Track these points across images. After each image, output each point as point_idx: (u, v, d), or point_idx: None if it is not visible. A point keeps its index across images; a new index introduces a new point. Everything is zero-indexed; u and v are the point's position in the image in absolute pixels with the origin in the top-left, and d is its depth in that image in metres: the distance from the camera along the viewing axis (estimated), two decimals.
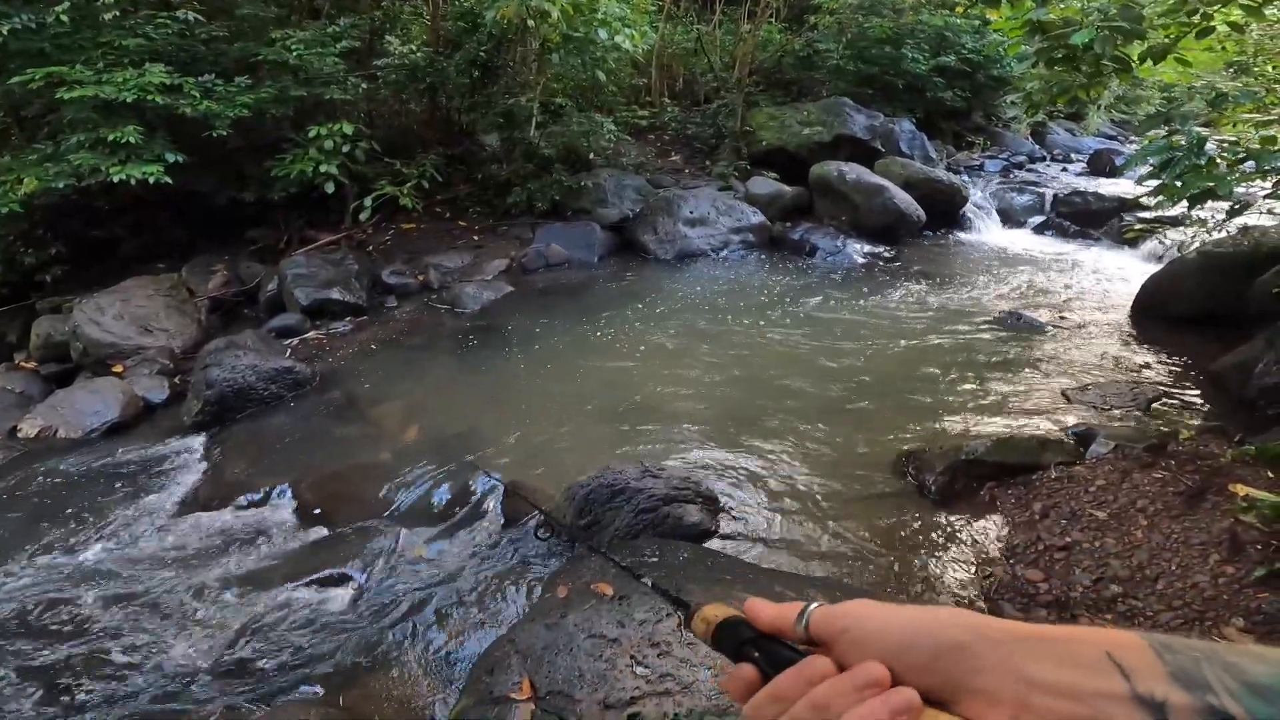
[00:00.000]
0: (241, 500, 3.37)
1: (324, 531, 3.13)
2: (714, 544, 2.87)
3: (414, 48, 7.00)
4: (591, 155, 7.42)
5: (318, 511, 3.25)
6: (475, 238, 6.78)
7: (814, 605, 0.46)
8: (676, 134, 9.03)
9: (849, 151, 8.13)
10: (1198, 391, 4.05)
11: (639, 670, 2.06)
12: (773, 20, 9.86)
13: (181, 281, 5.67)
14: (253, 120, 5.68)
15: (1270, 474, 2.91)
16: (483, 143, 7.68)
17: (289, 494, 3.38)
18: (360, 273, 5.88)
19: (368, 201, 6.30)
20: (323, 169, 5.67)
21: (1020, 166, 10.23)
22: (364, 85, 6.40)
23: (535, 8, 5.87)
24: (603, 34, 6.49)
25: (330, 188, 5.83)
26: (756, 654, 0.46)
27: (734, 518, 3.06)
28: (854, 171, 7.46)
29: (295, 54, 5.69)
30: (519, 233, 6.84)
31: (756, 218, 7.30)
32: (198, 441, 3.96)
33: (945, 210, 7.77)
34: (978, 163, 10.10)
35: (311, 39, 5.90)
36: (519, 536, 2.98)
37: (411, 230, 6.72)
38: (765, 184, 7.85)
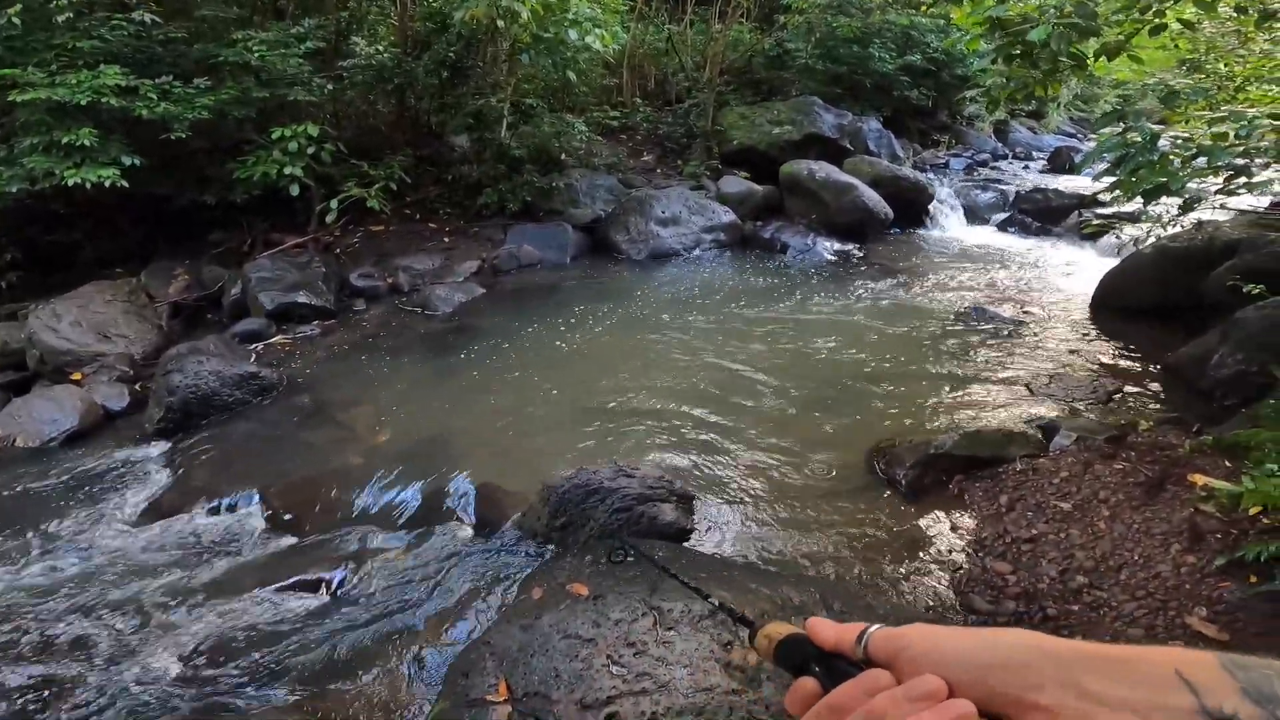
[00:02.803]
0: (207, 507, 3.31)
1: (294, 537, 3.09)
2: (690, 542, 2.89)
3: (381, 48, 6.93)
4: (563, 156, 7.42)
5: (288, 517, 3.20)
6: (446, 239, 6.73)
7: (875, 627, 0.47)
8: (648, 134, 9.06)
9: (818, 150, 8.23)
10: (1156, 383, 4.18)
11: (615, 670, 2.07)
12: (743, 20, 9.95)
13: (141, 286, 5.54)
14: (214, 122, 5.57)
15: (1228, 464, 3.01)
16: (453, 144, 7.62)
17: (257, 500, 3.32)
18: (327, 276, 5.81)
19: (334, 204, 6.22)
20: (287, 171, 5.58)
21: (984, 164, 10.46)
22: (329, 86, 6.31)
23: (505, 8, 5.85)
24: (573, 34, 6.49)
25: (295, 190, 5.74)
26: (817, 669, 0.48)
27: (709, 516, 3.08)
28: (823, 170, 7.55)
29: (257, 55, 5.60)
30: (490, 234, 6.81)
31: (728, 217, 7.35)
32: (160, 449, 3.88)
33: (912, 208, 7.91)
34: (943, 160, 10.30)
35: (274, 40, 5.81)
36: (492, 538, 2.98)
37: (380, 232, 6.65)
38: (736, 183, 7.91)
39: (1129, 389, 4.10)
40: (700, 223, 7.20)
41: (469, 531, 3.05)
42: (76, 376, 4.60)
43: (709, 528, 3.01)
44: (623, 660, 2.11)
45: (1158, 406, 3.91)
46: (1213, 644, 2.21)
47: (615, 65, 8.80)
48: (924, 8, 9.30)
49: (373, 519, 3.18)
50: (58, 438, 3.99)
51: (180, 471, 3.65)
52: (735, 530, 3.00)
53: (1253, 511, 2.56)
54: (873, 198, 7.49)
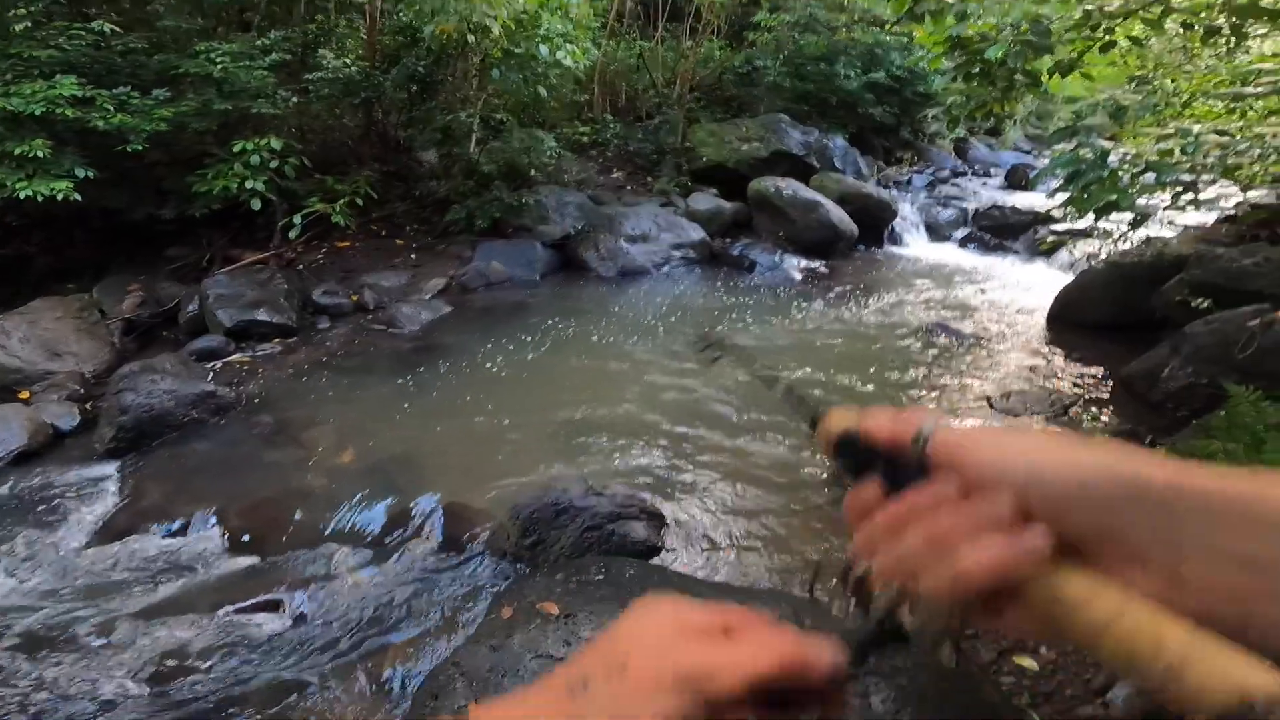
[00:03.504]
0: (162, 528, 3.23)
1: (254, 558, 3.03)
2: (661, 560, 2.91)
3: (349, 61, 6.91)
4: (533, 172, 7.46)
5: (246, 538, 3.14)
6: (413, 256, 6.70)
7: (935, 423, 0.41)
8: (619, 150, 9.15)
9: (786, 167, 8.41)
10: (1110, 396, 4.34)
11: None
12: (714, 37, 10.14)
13: (93, 302, 5.41)
14: (173, 134, 5.49)
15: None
16: (420, 159, 7.62)
17: (214, 521, 3.26)
18: (290, 293, 5.73)
19: (297, 219, 6.15)
20: (248, 185, 5.52)
21: (945, 181, 10.78)
22: (295, 99, 6.27)
23: (476, 23, 5.89)
24: (544, 50, 6.56)
25: (256, 204, 5.67)
26: (878, 472, 0.42)
27: (679, 533, 3.11)
28: (790, 187, 7.72)
29: (220, 67, 5.55)
30: (458, 251, 6.80)
31: (697, 234, 7.46)
32: (112, 469, 3.78)
33: (876, 225, 8.12)
34: (906, 178, 10.58)
35: (239, 52, 5.77)
36: (461, 558, 2.96)
37: (345, 249, 6.60)
38: (706, 200, 8.03)
39: (1084, 402, 4.26)
40: (670, 240, 7.29)
41: (437, 551, 3.03)
42: (24, 395, 4.46)
43: (679, 545, 3.04)
44: None
45: (1113, 419, 4.06)
46: None
47: (586, 81, 8.89)
48: (888, 26, 9.58)
49: (336, 540, 3.14)
50: (4, 458, 3.86)
51: (133, 492, 3.55)
52: (705, 547, 3.03)
53: None
54: (839, 215, 7.66)
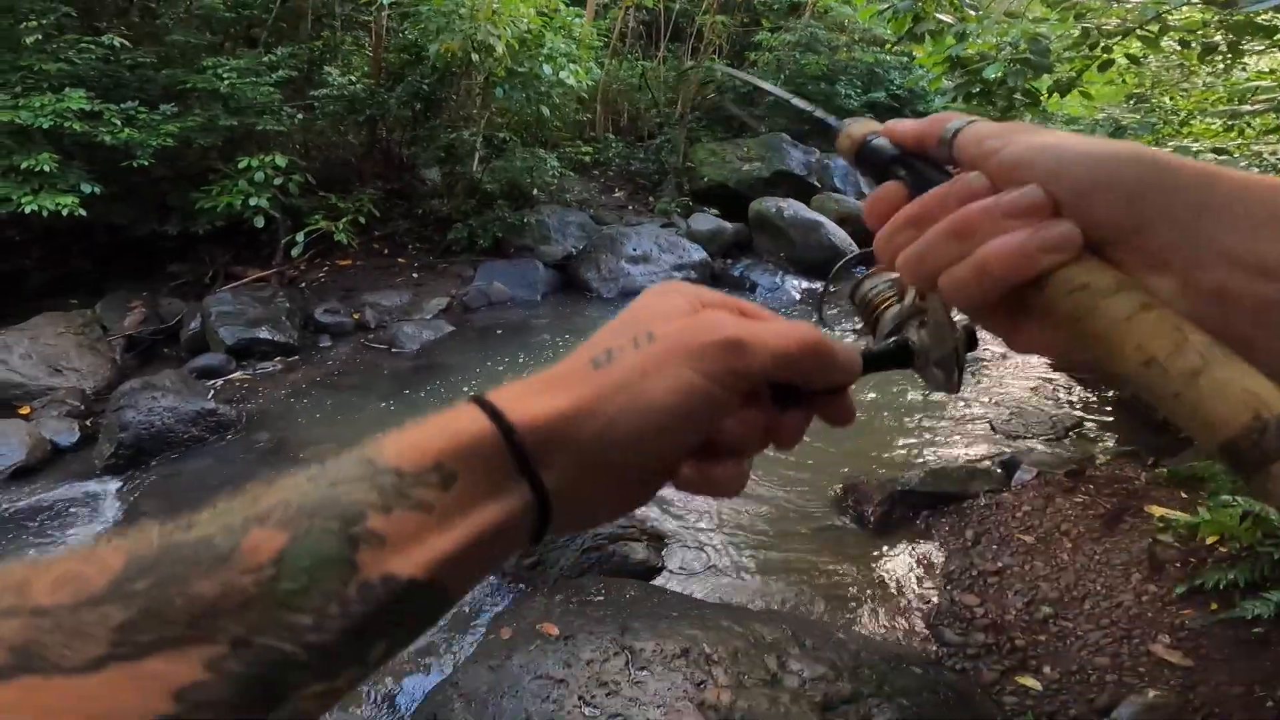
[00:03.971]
0: None
1: None
2: (660, 580, 2.92)
3: (354, 79, 7.02)
4: (535, 191, 7.54)
5: None
6: (415, 275, 6.76)
7: (964, 120, 0.39)
8: (620, 170, 9.25)
9: (787, 188, 8.49)
10: (1111, 417, 4.36)
11: (587, 711, 2.08)
12: (715, 56, 10.30)
13: (95, 318, 5.45)
14: (178, 150, 5.57)
15: (1183, 494, 3.16)
16: (423, 177, 7.71)
17: None
18: (291, 311, 5.78)
19: (300, 237, 6.21)
20: (252, 202, 5.59)
21: None
22: (300, 116, 6.36)
23: (480, 42, 6.00)
24: (547, 69, 6.66)
25: (260, 222, 5.74)
26: (902, 173, 0.41)
27: (679, 555, 3.12)
28: (791, 208, 7.79)
29: (227, 82, 5.64)
30: (460, 270, 6.86)
31: (698, 254, 7.52)
32: (110, 486, 3.80)
33: None
34: None
35: (245, 67, 5.86)
36: None
37: (347, 267, 6.66)
38: (707, 220, 8.11)
39: (1086, 423, 4.28)
40: (670, 260, 7.35)
41: None
42: (24, 410, 4.49)
43: (679, 566, 3.05)
44: (595, 701, 2.13)
45: (1114, 440, 4.08)
46: (1176, 671, 2.31)
47: (589, 101, 9.01)
48: (888, 46, 9.72)
49: None
50: (3, 472, 3.89)
51: (131, 509, 3.57)
52: (704, 569, 3.04)
53: (1210, 540, 2.69)
54: (840, 235, 7.73)
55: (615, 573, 2.87)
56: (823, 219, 7.78)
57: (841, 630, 2.52)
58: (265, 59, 6.13)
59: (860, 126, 0.45)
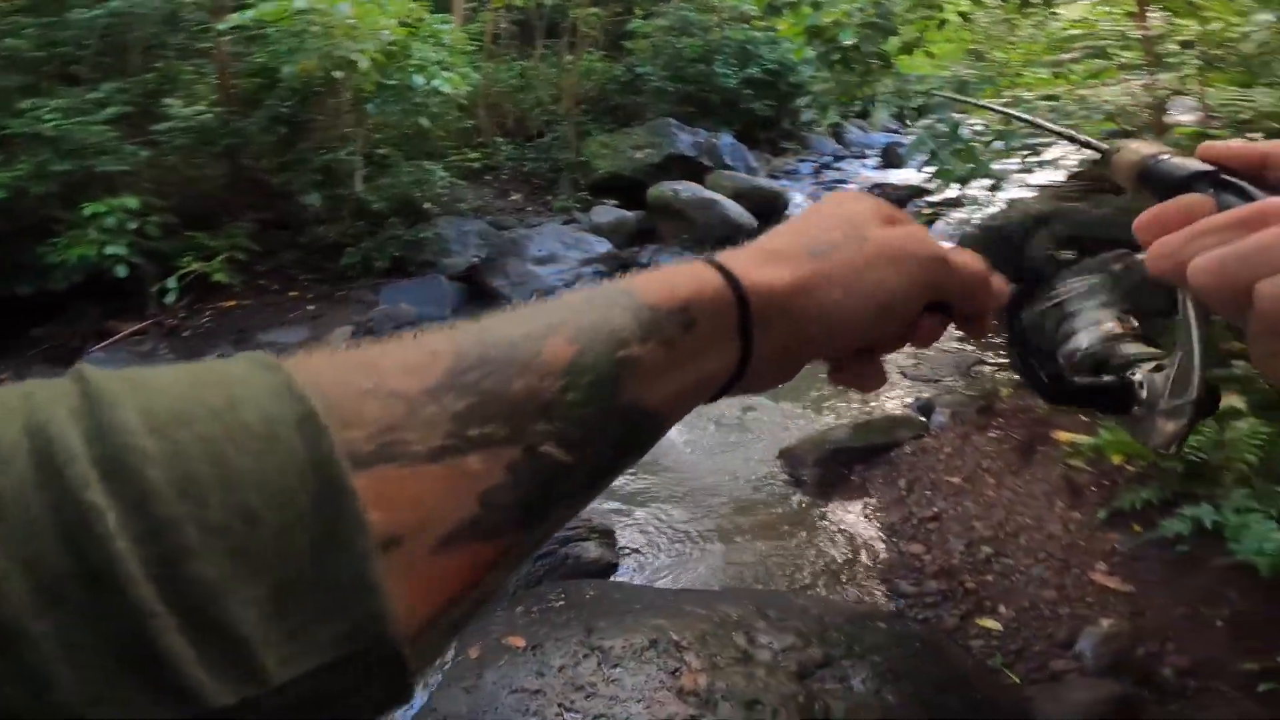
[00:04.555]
0: None
1: None
2: (618, 576, 2.97)
3: (202, 109, 6.64)
4: (427, 205, 7.37)
5: None
6: (310, 307, 6.48)
7: None
8: (514, 172, 9.17)
9: (681, 170, 8.67)
10: (1004, 350, 4.72)
11: (569, 717, 2.10)
12: (593, 50, 10.33)
13: None
14: (12, 201, 5.11)
15: (1083, 417, 3.45)
16: (302, 203, 7.37)
17: None
18: (176, 363, 5.42)
19: (172, 282, 5.84)
20: (109, 250, 5.20)
21: (828, 166, 11.38)
22: (145, 153, 5.95)
23: (341, 58, 5.79)
24: (420, 79, 6.51)
25: (122, 271, 5.35)
26: (1210, 189, 0.37)
27: (632, 546, 3.17)
28: (687, 189, 7.97)
29: (52, 124, 5.21)
30: (361, 295, 6.62)
31: (604, 247, 7.57)
32: None
33: (772, 215, 8.49)
34: (793, 167, 11.11)
35: (70, 107, 5.42)
36: None
37: (233, 308, 6.31)
38: (608, 212, 8.17)
39: (986, 359, 4.62)
40: (577, 256, 7.36)
41: None
42: None
43: (634, 558, 3.10)
44: (575, 706, 2.15)
45: (1012, 372, 4.41)
46: (1120, 597, 2.45)
47: (470, 106, 8.87)
48: (754, 22, 10.03)
49: None
50: None
51: None
52: (660, 556, 3.11)
53: (1117, 461, 2.91)
54: (737, 211, 7.97)
55: (572, 575, 2.90)
56: (718, 196, 7.99)
57: (802, 597, 2.63)
58: (90, 96, 5.68)
59: (1140, 147, 0.43)
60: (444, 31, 7.23)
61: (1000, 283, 0.41)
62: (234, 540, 0.19)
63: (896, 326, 0.37)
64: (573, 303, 0.30)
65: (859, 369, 0.39)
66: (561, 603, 2.64)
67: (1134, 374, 0.41)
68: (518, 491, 0.25)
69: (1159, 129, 5.45)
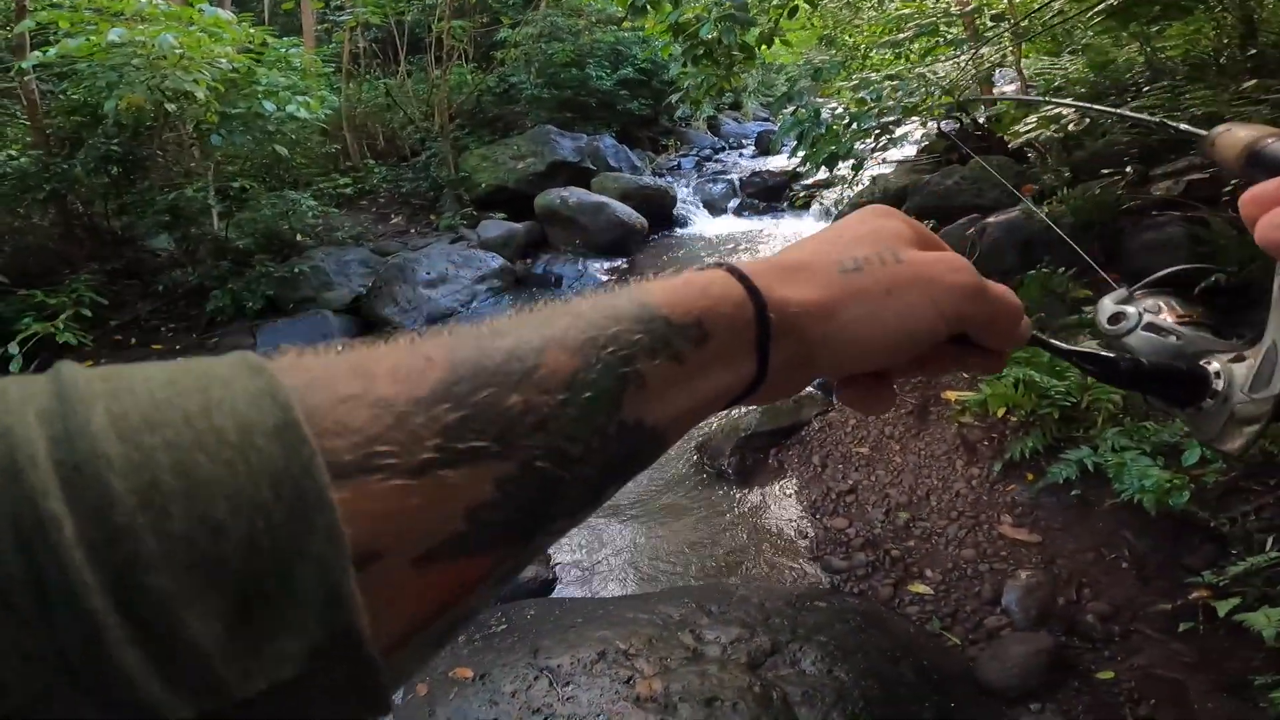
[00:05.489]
0: None
1: None
2: (558, 591, 2.98)
3: (14, 153, 6.07)
4: (298, 237, 7.03)
5: None
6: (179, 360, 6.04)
7: None
8: (391, 194, 8.89)
9: (565, 176, 8.71)
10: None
11: None
12: (462, 62, 10.17)
13: None
14: None
15: (965, 375, 3.75)
16: (151, 248, 6.87)
17: None
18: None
19: (13, 348, 5.31)
20: None
21: (709, 159, 11.76)
22: None
23: (172, 90, 5.44)
24: (269, 106, 6.21)
25: None
26: None
27: (567, 560, 3.19)
28: (574, 195, 8.02)
29: None
30: (235, 341, 6.22)
31: (496, 262, 7.49)
32: None
33: (661, 213, 8.72)
34: (675, 163, 11.40)
35: None
36: None
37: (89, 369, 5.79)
38: (496, 226, 8.08)
39: None
40: (470, 275, 7.24)
41: None
42: None
43: (571, 572, 3.12)
44: None
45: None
46: (1031, 549, 2.62)
47: (333, 129, 8.53)
48: (623, 23, 10.20)
49: None
50: None
51: None
52: (597, 566, 3.14)
53: (1000, 413, 3.16)
54: (625, 211, 8.10)
55: (511, 597, 2.88)
56: (606, 199, 8.09)
57: (741, 586, 2.70)
58: None
59: (1244, 133, 0.43)
60: (294, 55, 6.93)
61: (1027, 327, 0.40)
62: (196, 552, 0.19)
63: (914, 354, 0.36)
64: (579, 309, 0.29)
65: (871, 390, 0.38)
66: (504, 627, 2.63)
67: (1210, 363, 0.40)
68: (507, 508, 0.24)
69: (989, 100, 6.03)
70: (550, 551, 3.19)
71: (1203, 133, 0.47)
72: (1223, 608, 1.97)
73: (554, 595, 2.94)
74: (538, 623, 2.61)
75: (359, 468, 0.22)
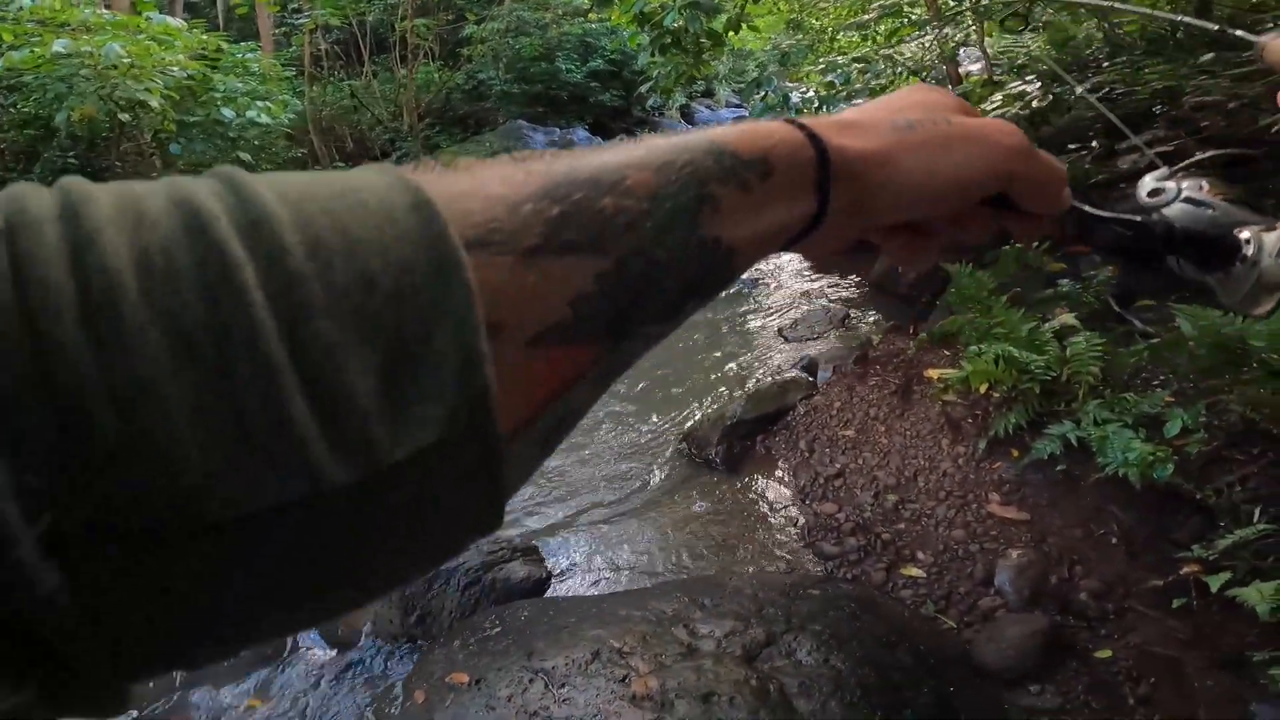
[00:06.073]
0: None
1: (131, 714, 2.61)
2: (551, 590, 2.90)
3: None
4: None
5: None
6: None
7: None
8: None
9: None
10: (870, 300, 5.01)
11: None
12: (428, 60, 9.93)
13: None
14: None
15: (946, 352, 3.69)
16: None
17: None
18: None
19: None
20: None
21: None
22: None
23: (125, 99, 5.23)
24: (229, 113, 6.02)
25: None
26: None
27: (559, 558, 3.11)
28: None
29: None
30: None
31: None
32: None
33: None
34: None
35: None
36: (352, 655, 2.76)
37: None
38: None
39: (854, 311, 4.87)
40: None
41: (325, 656, 2.80)
42: None
43: (564, 569, 3.04)
44: None
45: (879, 319, 4.68)
46: (1020, 527, 2.56)
47: (299, 134, 8.28)
48: (590, 15, 10.03)
49: (209, 675, 2.76)
50: None
51: None
52: (590, 563, 3.06)
53: (983, 390, 3.12)
54: None
55: (504, 599, 2.80)
56: None
57: (733, 577, 2.63)
58: None
59: None
60: (251, 60, 6.72)
61: (1069, 195, 0.42)
62: (354, 303, 0.19)
63: (962, 206, 0.38)
64: (653, 143, 0.31)
65: (917, 244, 0.41)
66: (498, 629, 2.55)
67: (1241, 232, 0.42)
68: (604, 302, 0.26)
69: (955, 79, 5.98)
70: (542, 551, 3.11)
71: (1255, 39, 0.53)
72: (1214, 582, 1.92)
73: (548, 595, 2.85)
74: (531, 624, 2.53)
75: (479, 242, 0.23)
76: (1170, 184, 0.47)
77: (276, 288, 0.18)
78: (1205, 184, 0.46)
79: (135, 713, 2.73)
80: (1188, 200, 0.45)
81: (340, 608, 0.22)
